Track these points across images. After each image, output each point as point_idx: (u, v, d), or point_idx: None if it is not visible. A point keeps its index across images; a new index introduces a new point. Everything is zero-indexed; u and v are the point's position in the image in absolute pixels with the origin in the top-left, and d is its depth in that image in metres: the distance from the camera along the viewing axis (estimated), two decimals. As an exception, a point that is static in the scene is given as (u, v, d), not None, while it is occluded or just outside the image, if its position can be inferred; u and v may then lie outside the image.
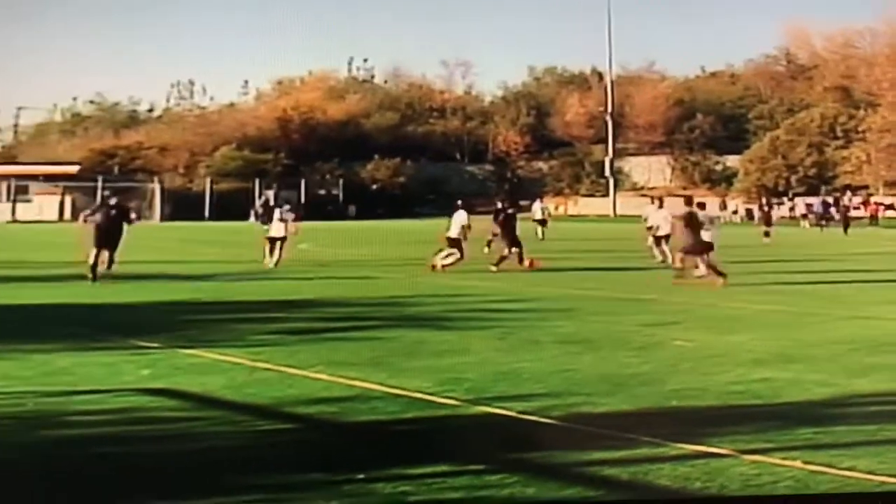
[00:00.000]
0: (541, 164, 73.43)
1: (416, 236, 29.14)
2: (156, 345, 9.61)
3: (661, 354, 9.37)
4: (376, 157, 68.72)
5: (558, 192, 68.86)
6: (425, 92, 79.05)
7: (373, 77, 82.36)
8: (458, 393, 7.51)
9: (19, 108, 78.30)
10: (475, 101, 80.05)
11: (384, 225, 30.26)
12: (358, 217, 57.19)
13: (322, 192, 66.25)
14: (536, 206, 34.81)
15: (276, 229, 20.13)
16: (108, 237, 16.53)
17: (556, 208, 57.60)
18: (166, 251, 23.66)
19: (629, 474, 5.41)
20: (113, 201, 17.12)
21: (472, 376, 8.19)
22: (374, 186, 66.43)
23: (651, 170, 71.05)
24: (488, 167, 74.77)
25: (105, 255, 16.45)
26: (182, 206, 60.46)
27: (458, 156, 75.28)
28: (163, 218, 58.98)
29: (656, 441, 5.99)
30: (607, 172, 68.00)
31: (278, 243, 19.95)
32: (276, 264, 19.39)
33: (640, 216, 24.95)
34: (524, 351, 9.57)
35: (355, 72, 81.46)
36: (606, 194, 67.44)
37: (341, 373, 8.25)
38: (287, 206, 21.22)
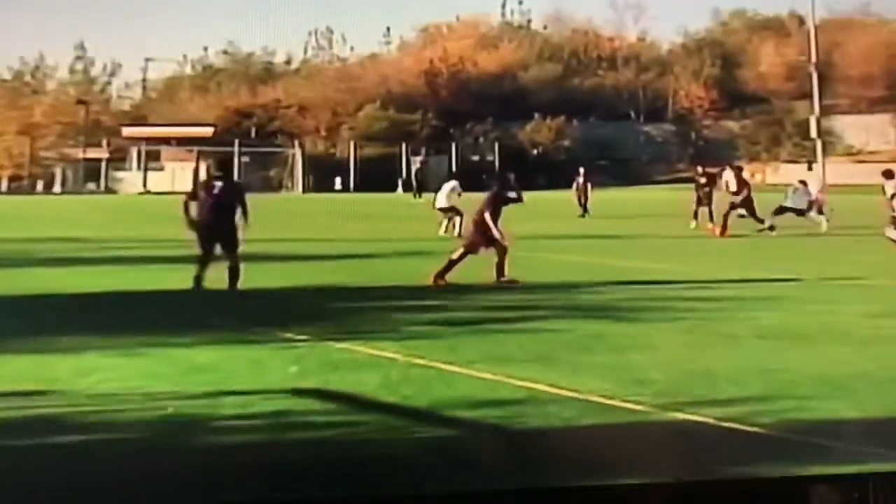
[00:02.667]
0: (731, 124, 71.28)
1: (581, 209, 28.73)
2: (303, 337, 9.79)
3: (889, 351, 8.93)
4: (536, 116, 68.28)
5: (753, 157, 66.73)
6: (592, 39, 77.94)
7: (530, 22, 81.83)
8: (644, 396, 7.40)
9: (147, 60, 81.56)
10: (650, 50, 78.22)
11: (547, 196, 30.03)
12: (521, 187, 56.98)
13: (475, 157, 66.49)
14: (728, 175, 33.75)
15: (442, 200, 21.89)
16: (217, 234, 13.00)
17: (752, 176, 55.71)
18: (311, 227, 24.23)
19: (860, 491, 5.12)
20: (219, 184, 13.16)
21: (659, 376, 8.05)
22: (535, 151, 66.14)
23: (870, 131, 67.76)
24: (668, 127, 73.18)
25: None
26: (325, 174, 61.69)
27: (631, 114, 74.01)
28: (306, 188, 60.03)
29: (892, 455, 5.67)
30: (813, 133, 65.20)
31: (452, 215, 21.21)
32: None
33: (856, 185, 23.89)
34: (718, 346, 9.34)
35: (509, 16, 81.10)
36: (813, 159, 64.76)
37: (507, 371, 8.23)
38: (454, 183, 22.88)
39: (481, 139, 68.79)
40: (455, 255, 13.76)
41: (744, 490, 3.22)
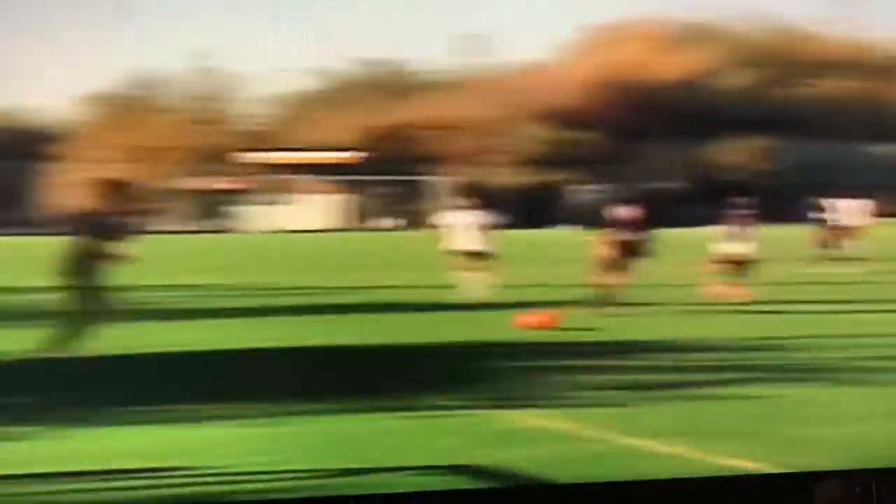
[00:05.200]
0: None
1: (797, 249, 28.19)
2: (457, 403, 9.94)
3: None
4: (730, 134, 67.48)
5: None
6: (799, 39, 76.57)
7: (719, 21, 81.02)
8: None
9: (277, 72, 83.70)
10: (875, 52, 76.32)
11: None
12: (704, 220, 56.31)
13: (656, 184, 66.00)
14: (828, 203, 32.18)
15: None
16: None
17: None
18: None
19: None
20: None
21: (891, 452, 7.98)
22: (729, 176, 65.25)
23: None
24: (900, 148, 71.04)
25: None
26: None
27: (853, 131, 72.18)
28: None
29: None
30: None
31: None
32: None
33: None
34: None
35: (693, 14, 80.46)
36: None
37: (701, 445, 8.18)
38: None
39: (663, 161, 68.33)
40: None
41: (747, 485, 3.36)
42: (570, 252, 23.86)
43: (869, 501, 3.21)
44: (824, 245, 29.17)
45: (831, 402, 9.94)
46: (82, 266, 11.69)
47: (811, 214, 30.87)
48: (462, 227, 18.25)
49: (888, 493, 3.17)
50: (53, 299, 12.16)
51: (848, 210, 30.55)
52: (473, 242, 18.05)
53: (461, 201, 18.65)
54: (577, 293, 16.81)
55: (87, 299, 11.70)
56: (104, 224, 11.87)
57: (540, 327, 14.09)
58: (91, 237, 11.70)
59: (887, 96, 72.08)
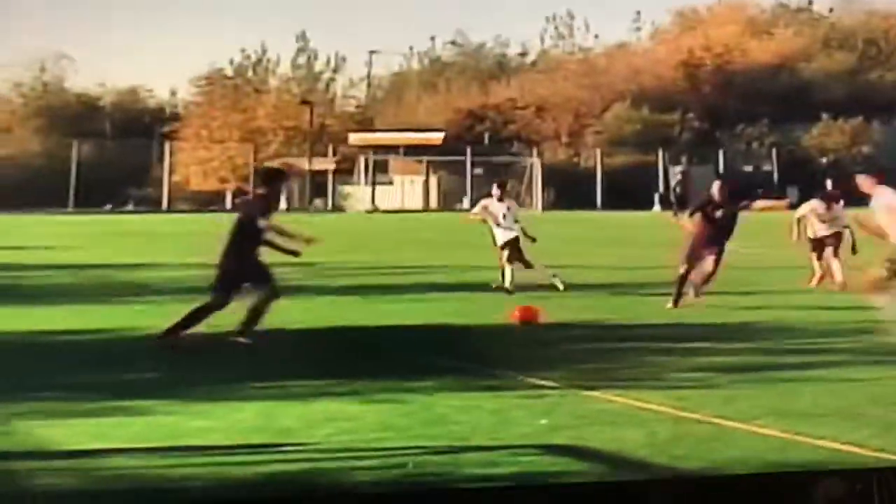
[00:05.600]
0: None
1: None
2: (552, 383, 9.94)
3: None
4: (825, 116, 66.27)
5: None
6: (893, 23, 74.89)
7: (811, 3, 79.58)
8: None
9: (372, 53, 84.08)
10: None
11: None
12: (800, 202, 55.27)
13: (748, 167, 65.11)
14: None
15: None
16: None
17: None
18: (552, 252, 24.35)
19: None
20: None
21: None
22: (824, 159, 64.06)
23: None
24: None
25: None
26: (567, 189, 61.45)
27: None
28: (546, 205, 60.27)
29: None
30: None
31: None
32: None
33: None
34: None
35: (785, -4, 79.09)
36: None
37: (801, 428, 8.12)
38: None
39: (755, 144, 67.33)
40: None
41: (746, 484, 3.34)
42: (662, 234, 23.68)
43: (870, 501, 3.18)
44: None
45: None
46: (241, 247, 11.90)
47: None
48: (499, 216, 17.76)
49: (889, 492, 3.15)
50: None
51: None
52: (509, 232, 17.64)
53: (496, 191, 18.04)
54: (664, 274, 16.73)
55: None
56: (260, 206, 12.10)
57: (522, 320, 13.80)
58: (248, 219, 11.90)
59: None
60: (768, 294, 17.10)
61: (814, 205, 18.66)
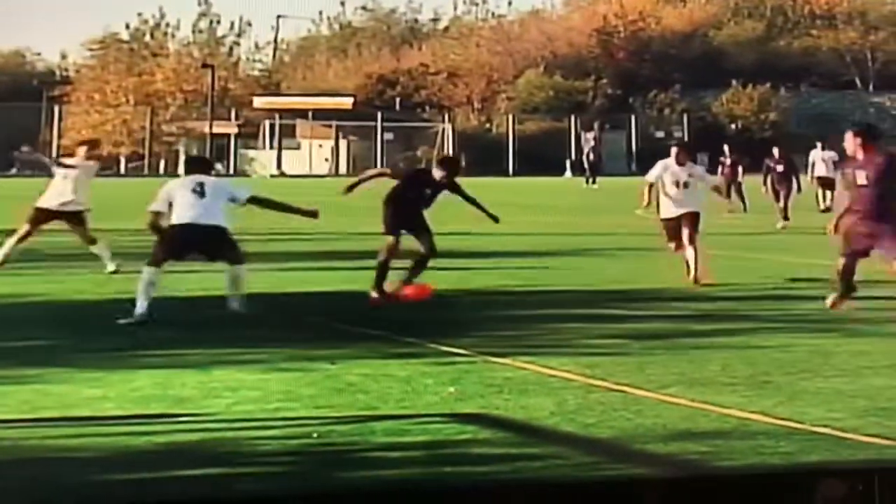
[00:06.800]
0: None
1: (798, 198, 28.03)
2: (462, 351, 9.86)
3: None
4: (734, 83, 67.13)
5: None
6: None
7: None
8: (890, 429, 7.26)
9: (279, 17, 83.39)
10: (881, 5, 75.90)
11: (749, 181, 29.44)
12: (710, 171, 56.00)
13: (660, 133, 65.77)
14: (817, 154, 31.00)
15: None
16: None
17: None
18: (462, 218, 24.31)
19: None
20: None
21: None
22: (733, 125, 64.92)
23: None
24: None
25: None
26: (479, 155, 61.54)
27: (857, 81, 71.78)
28: (457, 171, 60.27)
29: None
30: None
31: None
32: None
33: None
34: None
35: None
36: None
37: (709, 396, 8.15)
38: None
39: (667, 111, 68.06)
40: None
41: (746, 482, 3.38)
42: (573, 200, 23.81)
43: (871, 500, 3.19)
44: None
45: (848, 352, 9.85)
46: None
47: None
48: None
49: (890, 491, 3.15)
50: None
51: (825, 160, 29.93)
52: None
53: None
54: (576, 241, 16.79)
55: None
56: None
57: (415, 298, 12.93)
58: None
59: (892, 46, 71.64)
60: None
61: (668, 163, 14.87)
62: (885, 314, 11.71)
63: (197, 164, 13.04)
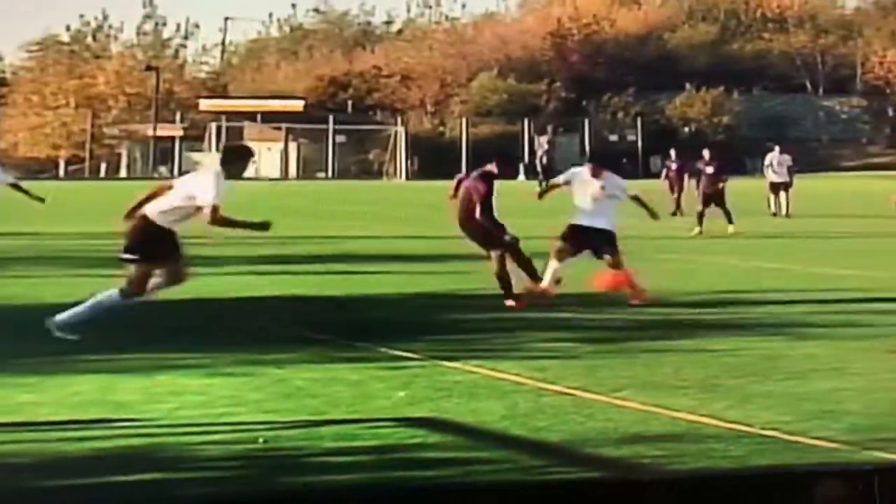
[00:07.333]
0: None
1: (750, 202, 28.31)
2: (413, 355, 9.88)
3: None
4: (688, 86, 67.64)
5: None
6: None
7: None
8: (835, 432, 7.32)
9: (227, 20, 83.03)
10: (831, 9, 76.82)
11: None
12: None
13: (614, 137, 66.07)
14: (773, 157, 30.64)
15: None
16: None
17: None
18: (415, 222, 24.32)
19: None
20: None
21: (855, 407, 7.99)
22: (687, 129, 65.41)
23: None
24: (856, 101, 71.49)
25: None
26: (432, 158, 61.57)
27: (807, 85, 72.51)
28: (410, 175, 60.18)
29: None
30: None
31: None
32: None
33: None
34: None
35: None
36: None
37: (660, 400, 8.20)
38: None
39: (621, 114, 68.37)
40: None
41: (745, 483, 3.44)
42: (526, 203, 23.81)
43: (871, 500, 3.22)
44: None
45: (796, 356, 9.94)
46: None
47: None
48: None
49: (890, 491, 3.19)
50: None
51: (780, 164, 30.29)
52: None
53: None
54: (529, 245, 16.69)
55: None
56: None
57: (616, 287, 12.92)
58: None
59: (841, 51, 72.44)
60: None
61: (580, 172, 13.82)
62: (833, 318, 11.84)
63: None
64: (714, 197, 24.09)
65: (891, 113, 69.67)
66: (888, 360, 9.81)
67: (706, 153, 25.99)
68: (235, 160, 11.20)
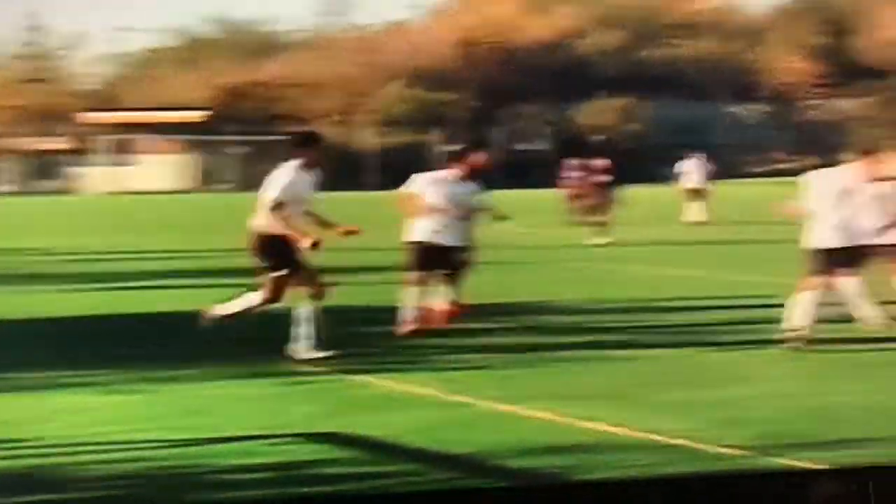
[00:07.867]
0: (844, 103, 70.25)
1: (661, 209, 28.65)
2: (320, 368, 9.86)
3: None
4: (597, 94, 68.38)
5: (867, 150, 64.96)
6: (664, 1, 77.84)
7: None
8: (742, 439, 7.41)
9: (118, 30, 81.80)
10: (738, 15, 78.15)
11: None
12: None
13: (523, 146, 66.53)
14: (690, 164, 30.89)
15: None
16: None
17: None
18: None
19: None
20: None
21: (763, 415, 8.12)
22: (596, 137, 66.08)
23: None
24: (762, 107, 72.84)
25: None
26: (338, 169, 61.33)
27: (715, 92, 73.62)
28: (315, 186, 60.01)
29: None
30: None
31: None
32: None
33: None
34: (842, 378, 9.45)
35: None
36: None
37: (571, 410, 8.24)
38: None
39: (531, 123, 68.90)
40: None
41: (741, 483, 3.50)
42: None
43: (866, 501, 3.26)
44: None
45: (706, 364, 10.08)
46: None
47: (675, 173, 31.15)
48: None
49: (886, 492, 3.22)
50: None
51: (696, 170, 30.69)
52: None
53: None
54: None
55: None
56: None
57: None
58: None
59: (747, 57, 73.70)
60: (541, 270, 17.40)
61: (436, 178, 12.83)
62: (739, 326, 12.02)
63: None
64: (603, 206, 24.36)
65: (795, 119, 70.99)
66: (794, 366, 9.96)
67: (597, 162, 26.17)
68: (304, 147, 11.27)
